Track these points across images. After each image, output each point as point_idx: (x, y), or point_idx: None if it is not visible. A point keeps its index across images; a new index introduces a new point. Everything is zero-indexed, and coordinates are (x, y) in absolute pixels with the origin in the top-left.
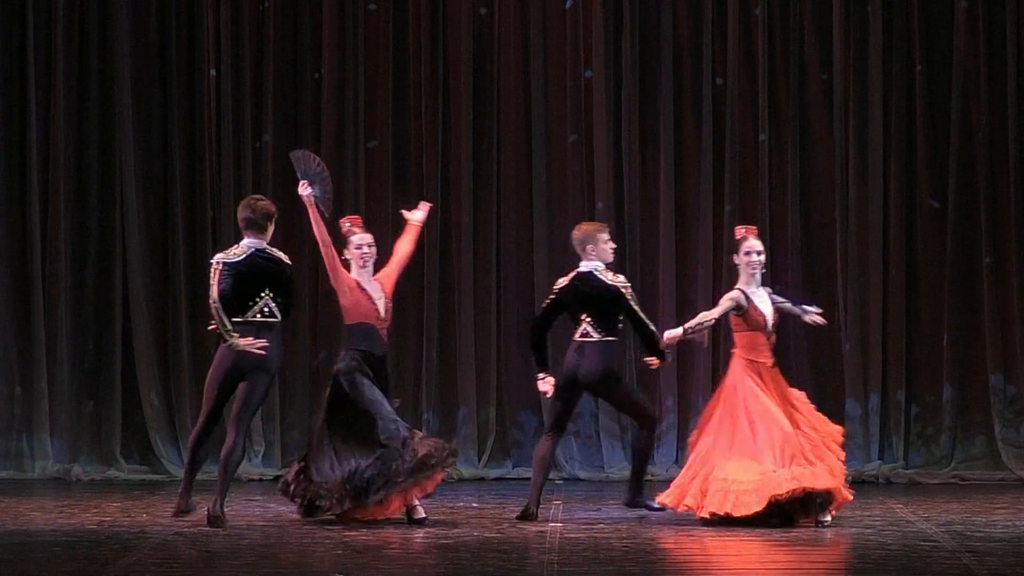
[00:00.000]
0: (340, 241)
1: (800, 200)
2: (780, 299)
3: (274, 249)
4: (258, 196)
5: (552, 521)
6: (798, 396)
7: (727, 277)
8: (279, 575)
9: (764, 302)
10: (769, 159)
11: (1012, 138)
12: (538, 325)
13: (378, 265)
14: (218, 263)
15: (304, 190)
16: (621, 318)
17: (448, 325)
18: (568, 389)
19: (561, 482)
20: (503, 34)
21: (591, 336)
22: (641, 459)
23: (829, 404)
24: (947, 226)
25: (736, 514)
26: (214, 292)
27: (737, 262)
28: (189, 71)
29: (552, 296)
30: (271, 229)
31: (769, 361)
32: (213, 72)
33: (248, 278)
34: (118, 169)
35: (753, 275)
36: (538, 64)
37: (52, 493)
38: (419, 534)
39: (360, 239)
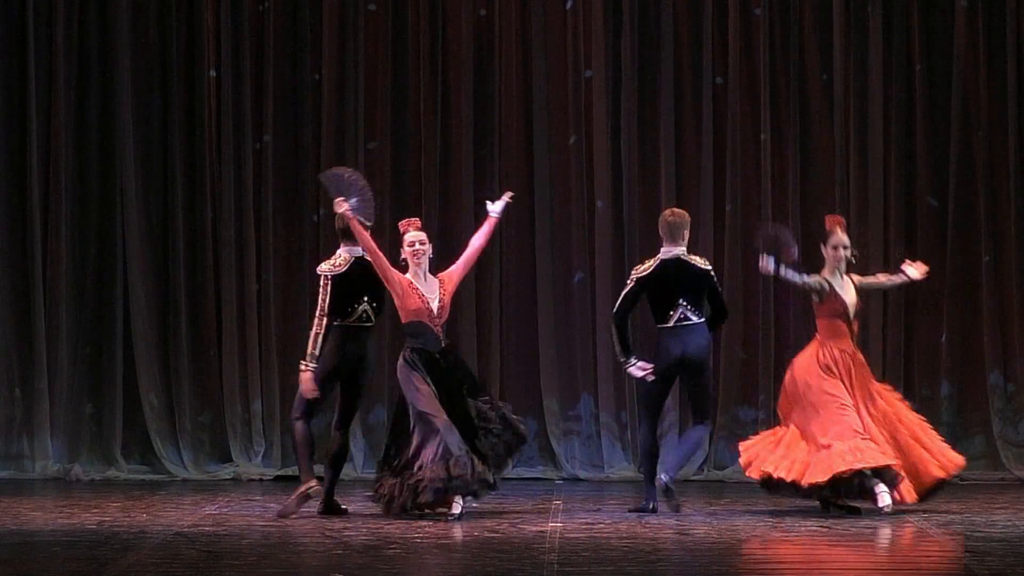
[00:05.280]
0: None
1: (800, 200)
2: (870, 280)
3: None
4: None
5: (552, 521)
6: (883, 387)
7: (727, 277)
8: (279, 575)
9: (847, 290)
10: (769, 159)
11: (1012, 138)
12: (623, 311)
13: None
14: (326, 277)
15: (340, 207)
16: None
17: (449, 326)
18: (671, 372)
19: (561, 482)
20: (503, 34)
21: (691, 319)
22: (692, 450)
23: None
24: (947, 224)
25: (802, 481)
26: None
27: (824, 252)
28: (189, 71)
29: (635, 282)
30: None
31: (849, 348)
32: (213, 72)
33: (353, 282)
34: (118, 170)
35: (837, 266)
36: (538, 64)
37: (52, 493)
38: (418, 534)
39: (412, 237)
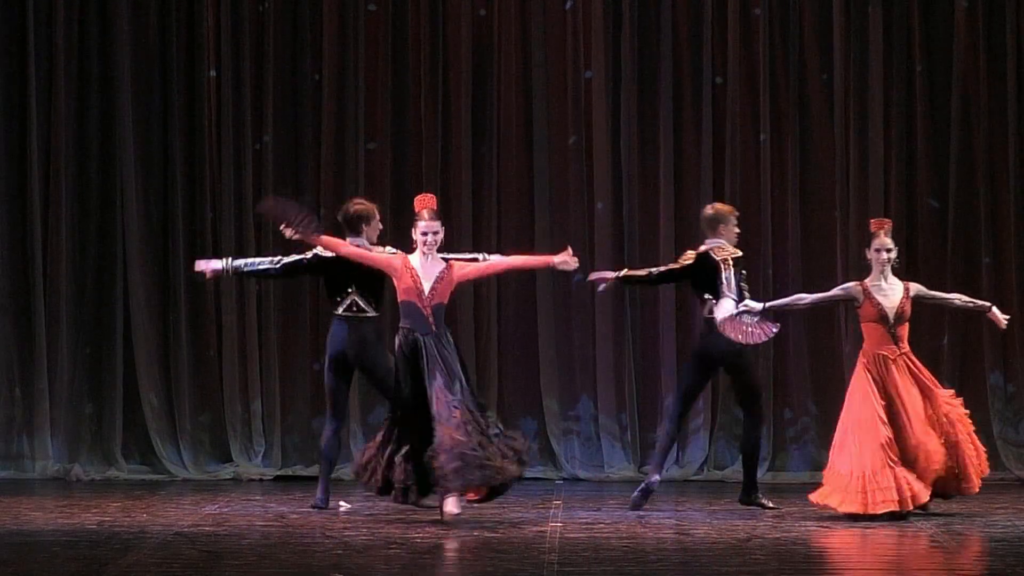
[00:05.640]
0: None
1: (800, 200)
2: (937, 294)
3: (373, 247)
4: (356, 199)
5: (552, 521)
6: (944, 392)
7: None
8: (279, 575)
9: (889, 294)
10: (769, 159)
11: (1012, 138)
12: (659, 275)
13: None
14: (309, 253)
15: (288, 232)
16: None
17: (448, 326)
18: (702, 363)
19: (561, 482)
20: (503, 35)
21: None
22: (755, 451)
23: (829, 405)
24: (947, 225)
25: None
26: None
27: (868, 255)
28: (189, 71)
29: (675, 266)
30: (367, 228)
31: (895, 352)
32: (213, 73)
33: (338, 272)
34: (118, 170)
35: (882, 270)
36: (538, 65)
37: (52, 493)
38: (419, 534)
39: (425, 227)
